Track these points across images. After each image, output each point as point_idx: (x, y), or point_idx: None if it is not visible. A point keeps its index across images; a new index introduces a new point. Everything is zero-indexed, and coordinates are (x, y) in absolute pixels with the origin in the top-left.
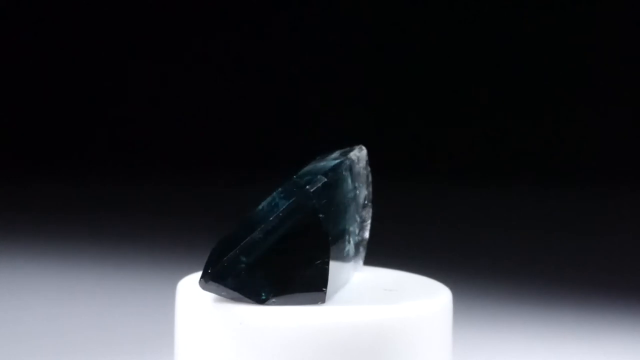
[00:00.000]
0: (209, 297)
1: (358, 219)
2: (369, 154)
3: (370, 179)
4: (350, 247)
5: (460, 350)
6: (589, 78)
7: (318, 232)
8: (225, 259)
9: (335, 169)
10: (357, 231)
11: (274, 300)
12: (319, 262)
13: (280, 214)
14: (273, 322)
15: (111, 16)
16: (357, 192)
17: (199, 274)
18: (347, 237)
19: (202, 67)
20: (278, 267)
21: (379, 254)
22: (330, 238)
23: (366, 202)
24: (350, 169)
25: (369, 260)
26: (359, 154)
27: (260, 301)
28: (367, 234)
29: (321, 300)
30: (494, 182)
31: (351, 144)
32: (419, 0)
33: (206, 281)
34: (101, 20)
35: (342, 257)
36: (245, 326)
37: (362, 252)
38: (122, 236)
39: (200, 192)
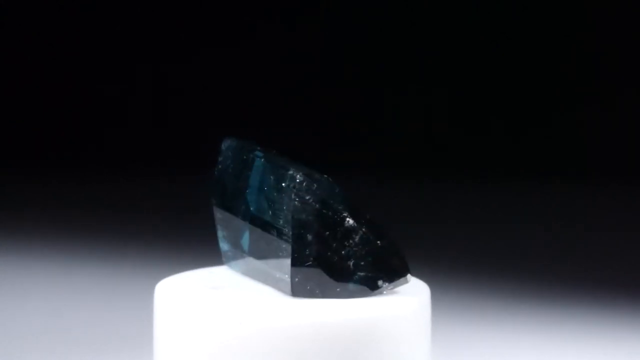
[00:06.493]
0: (188, 299)
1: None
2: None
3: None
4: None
5: (439, 348)
6: (588, 77)
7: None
8: None
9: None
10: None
11: None
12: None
13: None
14: (249, 323)
15: (108, 17)
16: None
17: (179, 275)
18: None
19: (200, 66)
20: None
21: None
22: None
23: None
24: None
25: None
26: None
27: None
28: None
29: None
30: (473, 178)
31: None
32: (419, 1)
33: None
34: (99, 21)
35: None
36: (223, 330)
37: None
38: (104, 235)
39: (184, 193)
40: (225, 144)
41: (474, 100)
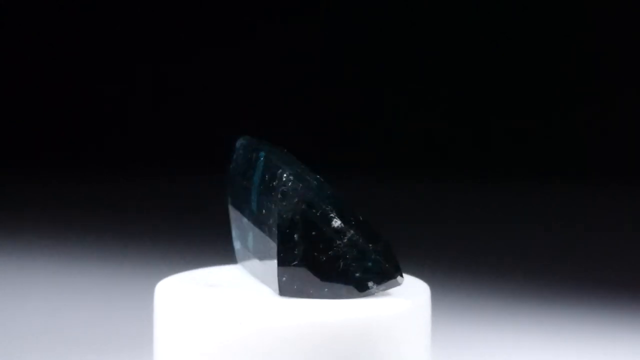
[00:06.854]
0: (188, 299)
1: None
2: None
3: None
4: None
5: (439, 348)
6: (588, 77)
7: None
8: None
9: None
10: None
11: None
12: None
13: None
14: (249, 323)
15: (108, 17)
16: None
17: (179, 275)
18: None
19: (200, 66)
20: None
21: None
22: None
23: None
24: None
25: None
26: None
27: None
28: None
29: None
30: (473, 178)
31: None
32: (419, 1)
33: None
34: (99, 21)
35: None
36: (223, 330)
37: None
38: (104, 235)
39: (184, 193)
40: (239, 143)
41: (474, 100)
